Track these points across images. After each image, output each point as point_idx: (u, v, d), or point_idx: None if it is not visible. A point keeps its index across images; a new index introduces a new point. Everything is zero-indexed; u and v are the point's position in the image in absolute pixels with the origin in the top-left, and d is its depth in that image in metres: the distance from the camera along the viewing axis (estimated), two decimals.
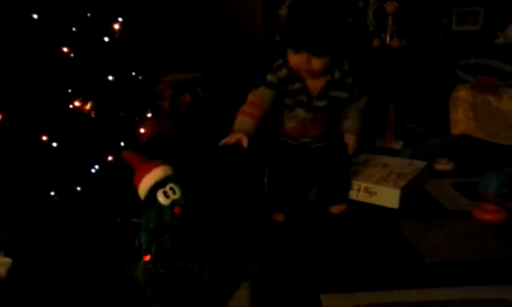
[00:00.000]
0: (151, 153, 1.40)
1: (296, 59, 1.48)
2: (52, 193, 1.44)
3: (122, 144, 1.58)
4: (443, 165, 2.09)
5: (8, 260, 1.28)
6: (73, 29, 1.43)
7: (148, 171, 1.22)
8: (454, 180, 1.94)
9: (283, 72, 1.53)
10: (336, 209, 1.68)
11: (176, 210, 1.16)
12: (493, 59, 2.38)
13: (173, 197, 1.17)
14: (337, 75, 1.55)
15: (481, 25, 2.65)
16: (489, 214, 1.57)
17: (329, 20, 1.45)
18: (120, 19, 1.59)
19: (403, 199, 1.69)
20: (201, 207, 1.23)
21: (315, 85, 1.55)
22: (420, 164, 1.94)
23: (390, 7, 2.76)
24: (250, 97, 1.55)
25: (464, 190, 1.83)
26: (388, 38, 2.81)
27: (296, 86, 1.54)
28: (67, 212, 1.46)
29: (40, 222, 1.43)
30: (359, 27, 2.96)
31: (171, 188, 1.18)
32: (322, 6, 1.45)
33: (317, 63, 1.47)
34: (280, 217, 1.62)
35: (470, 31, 2.71)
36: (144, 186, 1.21)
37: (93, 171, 1.51)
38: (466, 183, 1.89)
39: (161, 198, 1.17)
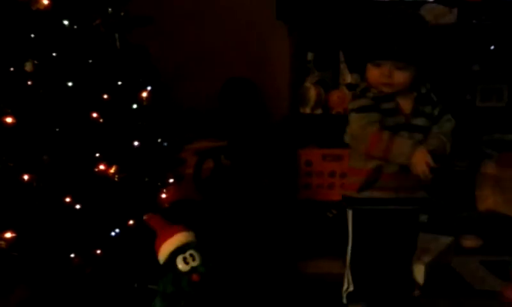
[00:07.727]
0: (173, 218, 1.40)
1: (377, 74, 1.37)
2: (72, 255, 1.45)
3: (144, 208, 1.60)
4: (471, 241, 2.02)
5: None
6: (104, 96, 1.50)
7: (169, 236, 1.22)
8: (482, 258, 1.87)
9: (373, 92, 1.39)
10: None
11: (194, 277, 1.15)
12: None
13: (192, 264, 1.17)
14: (423, 90, 1.43)
15: (506, 102, 2.64)
16: None
17: (415, 28, 1.36)
18: (149, 88, 1.66)
19: (428, 276, 1.63)
20: (221, 277, 1.21)
21: (405, 102, 1.41)
22: (446, 240, 1.88)
23: None
24: (369, 130, 1.34)
25: (494, 268, 1.75)
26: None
27: (391, 104, 1.39)
28: (84, 275, 1.46)
29: (58, 285, 1.43)
30: None
31: (191, 255, 1.18)
32: (406, 16, 1.39)
33: (399, 76, 1.35)
34: None
35: (495, 107, 2.70)
36: (164, 251, 1.21)
37: (113, 234, 1.51)
38: (496, 261, 1.81)
39: (180, 264, 1.17)
